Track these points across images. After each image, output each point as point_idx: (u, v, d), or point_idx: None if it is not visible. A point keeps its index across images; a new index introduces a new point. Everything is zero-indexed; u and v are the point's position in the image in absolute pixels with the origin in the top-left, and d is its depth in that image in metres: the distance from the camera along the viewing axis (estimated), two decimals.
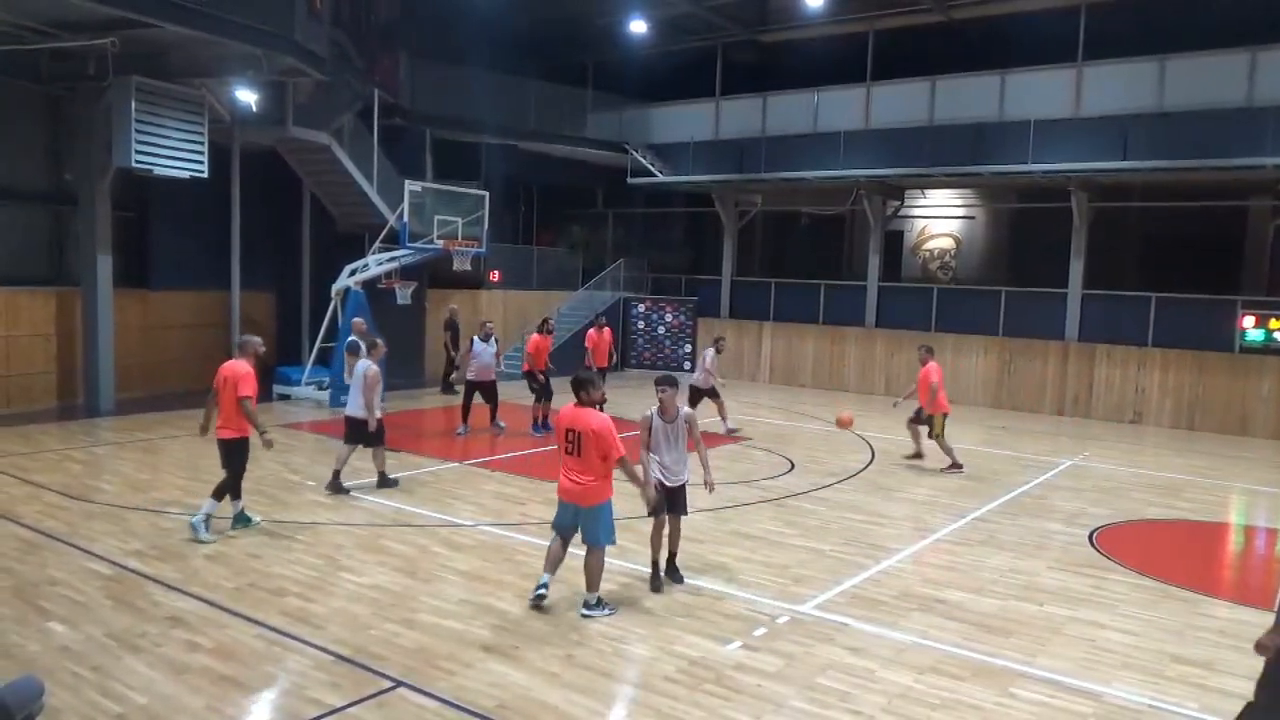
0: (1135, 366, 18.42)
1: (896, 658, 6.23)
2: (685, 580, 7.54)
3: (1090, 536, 9.57)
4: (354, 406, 10.31)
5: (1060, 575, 8.21)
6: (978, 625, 6.88)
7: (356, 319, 14.21)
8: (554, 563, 6.94)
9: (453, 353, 18.32)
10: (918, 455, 13.25)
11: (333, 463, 10.41)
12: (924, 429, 12.89)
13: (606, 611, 6.78)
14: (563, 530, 6.93)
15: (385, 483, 10.51)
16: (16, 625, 6.25)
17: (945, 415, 12.66)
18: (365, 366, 10.19)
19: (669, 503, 7.33)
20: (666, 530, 7.43)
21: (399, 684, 5.57)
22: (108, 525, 8.69)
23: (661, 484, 7.26)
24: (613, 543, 6.92)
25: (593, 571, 6.82)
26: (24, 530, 8.43)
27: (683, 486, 7.44)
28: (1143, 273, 20.64)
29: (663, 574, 7.47)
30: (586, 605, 6.79)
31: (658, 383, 7.37)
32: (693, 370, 24.34)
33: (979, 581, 7.95)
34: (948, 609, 7.21)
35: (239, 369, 8.46)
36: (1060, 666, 6.18)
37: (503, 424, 14.51)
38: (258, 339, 8.94)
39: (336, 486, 10.15)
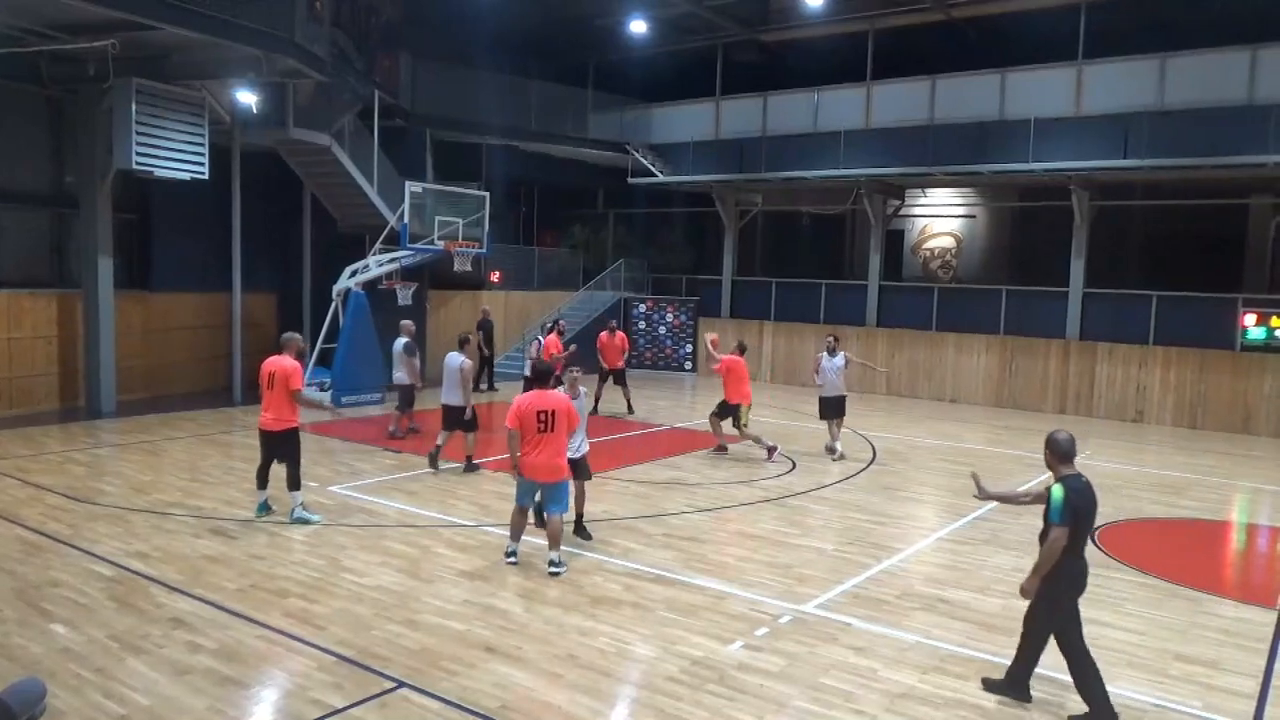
0: (1137, 365, 18.40)
1: (900, 657, 6.22)
2: (593, 538, 8.71)
3: (1092, 535, 9.56)
4: (452, 396, 11.61)
5: None
6: (981, 625, 6.87)
7: (406, 321, 14.38)
8: (519, 532, 8.08)
9: (487, 353, 18.72)
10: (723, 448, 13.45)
11: (429, 447, 11.81)
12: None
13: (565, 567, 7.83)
14: (527, 503, 8.06)
15: (470, 468, 11.59)
16: (19, 627, 6.25)
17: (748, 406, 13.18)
18: (460, 361, 11.54)
19: (575, 470, 8.49)
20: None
21: (401, 684, 5.57)
22: (110, 527, 8.69)
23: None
24: (566, 510, 8.10)
25: (556, 532, 7.81)
26: (26, 532, 8.43)
27: (583, 457, 8.75)
28: (1144, 271, 20.63)
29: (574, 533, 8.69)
30: (553, 564, 7.76)
31: (568, 365, 9.11)
32: (694, 369, 24.34)
33: (982, 580, 7.94)
34: (951, 608, 7.20)
35: (286, 364, 8.90)
36: (1064, 665, 6.14)
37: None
38: (299, 336, 9.49)
39: (434, 462, 11.54)
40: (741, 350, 13.67)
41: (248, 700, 5.37)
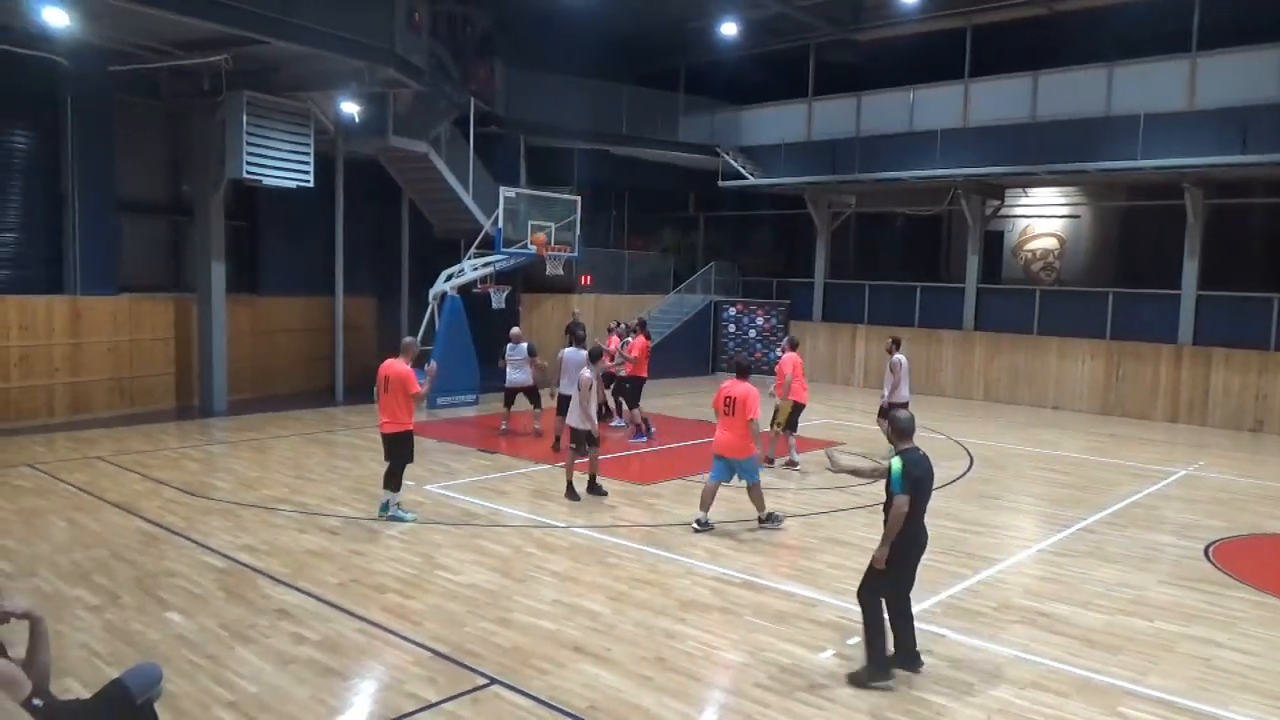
0: (1256, 372, 17.44)
1: (996, 671, 6.04)
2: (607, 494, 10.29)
3: (1206, 550, 9.11)
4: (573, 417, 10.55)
5: (1172, 590, 7.83)
6: (1083, 640, 6.61)
7: (515, 329, 15.05)
8: (708, 503, 9.24)
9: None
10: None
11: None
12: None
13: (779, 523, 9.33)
14: (721, 477, 9.25)
15: (595, 489, 10.55)
16: (138, 614, 6.60)
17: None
18: (583, 371, 10.46)
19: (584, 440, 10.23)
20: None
21: (493, 681, 5.68)
22: (221, 520, 9.11)
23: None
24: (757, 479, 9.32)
25: (758, 498, 9.31)
26: (145, 524, 8.91)
27: (587, 431, 10.20)
28: (1264, 272, 19.54)
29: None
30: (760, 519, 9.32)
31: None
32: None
33: (1084, 595, 7.65)
34: (1051, 622, 6.96)
35: (402, 369, 9.11)
36: (1172, 686, 5.89)
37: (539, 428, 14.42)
38: (416, 340, 10.02)
39: (573, 493, 10.46)
40: (794, 346, 13.38)
41: (347, 691, 5.56)
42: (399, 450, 9.26)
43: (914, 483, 5.81)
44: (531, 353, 14.26)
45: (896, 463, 5.83)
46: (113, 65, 14.24)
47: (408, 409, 9.17)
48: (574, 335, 16.80)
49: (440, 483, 11.00)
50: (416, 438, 13.80)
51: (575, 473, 10.47)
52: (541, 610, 6.91)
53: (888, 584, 5.86)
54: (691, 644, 6.35)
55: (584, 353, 11.31)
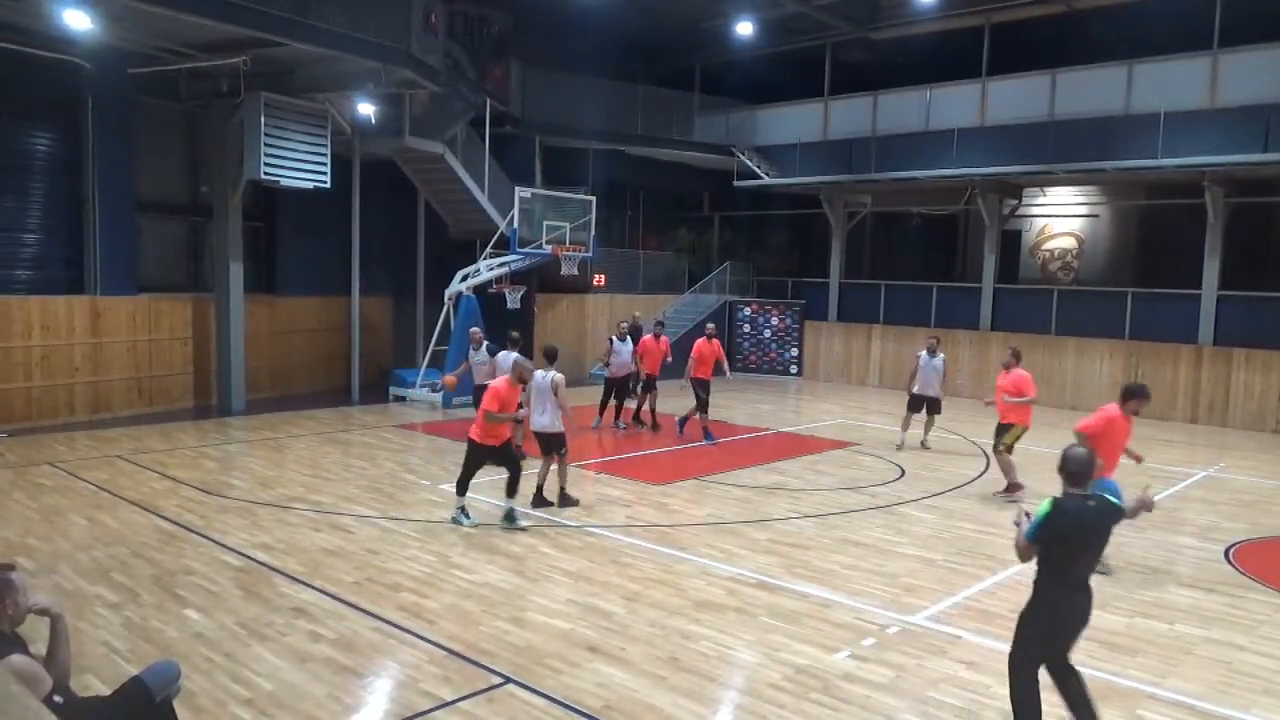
0: (1278, 372, 17.25)
1: None
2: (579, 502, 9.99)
3: (1226, 553, 9.02)
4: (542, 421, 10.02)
5: (1192, 593, 7.76)
6: (1102, 643, 6.56)
7: (475, 329, 14.17)
8: None
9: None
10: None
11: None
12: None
13: None
14: None
15: (566, 500, 10.17)
16: (157, 611, 6.65)
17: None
18: (551, 376, 9.88)
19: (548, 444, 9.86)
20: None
21: (508, 680, 5.69)
22: (238, 519, 9.17)
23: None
24: None
25: None
26: (164, 522, 8.98)
27: (555, 434, 9.84)
28: None
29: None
30: None
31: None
32: (799, 374, 23.95)
33: (1103, 597, 7.52)
34: None
35: (496, 382, 9.31)
36: (1193, 689, 5.84)
37: (623, 424, 15.14)
38: (525, 362, 9.60)
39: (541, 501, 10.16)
40: (1018, 359, 11.52)
41: (363, 689, 5.58)
42: (497, 458, 9.26)
43: (1053, 535, 4.72)
44: (492, 354, 12.94)
45: (1045, 505, 4.77)
46: (133, 67, 14.37)
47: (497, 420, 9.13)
48: (633, 337, 16.57)
49: (455, 482, 11.01)
50: (431, 438, 13.90)
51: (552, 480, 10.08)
52: (556, 610, 6.91)
53: (1026, 656, 4.96)
54: (706, 644, 6.34)
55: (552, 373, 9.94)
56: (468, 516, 9.21)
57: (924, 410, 14.04)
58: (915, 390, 14.00)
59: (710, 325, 15.71)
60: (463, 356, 14.20)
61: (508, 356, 11.02)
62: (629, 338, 15.20)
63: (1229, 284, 18.22)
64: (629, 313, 23.15)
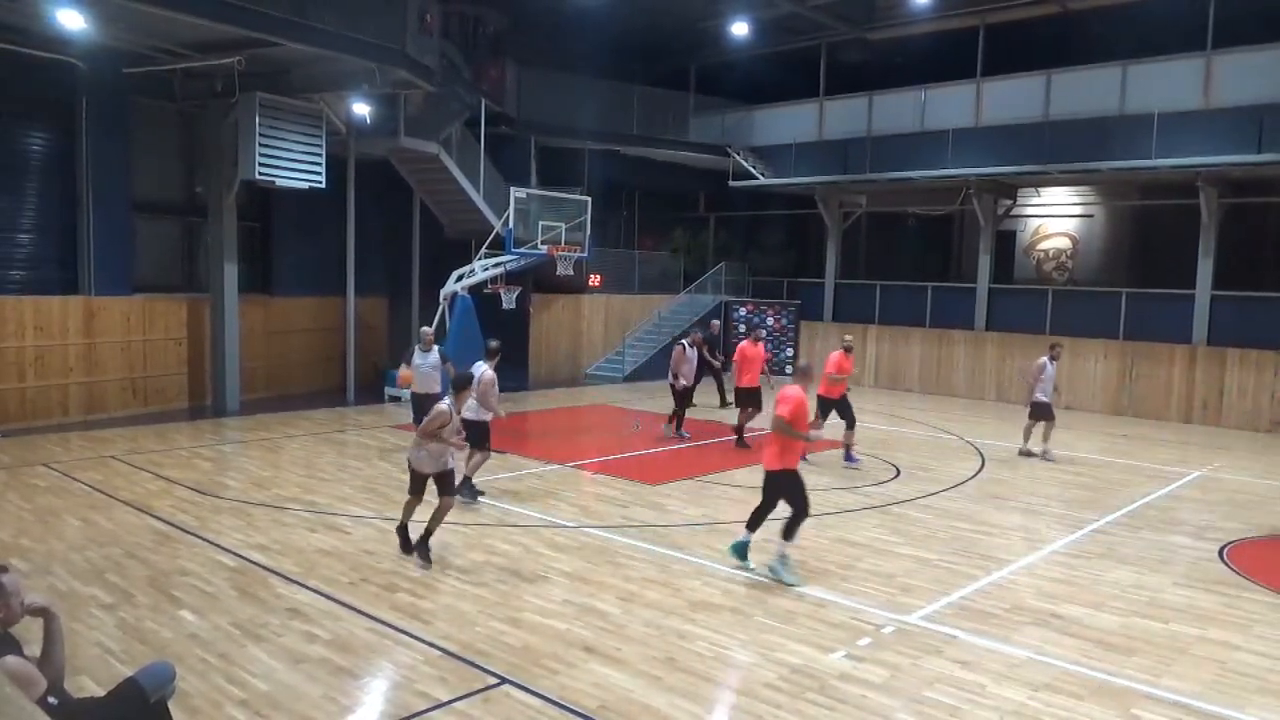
0: (1271, 372, 17.30)
1: (1009, 673, 6.01)
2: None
3: (1221, 552, 9.04)
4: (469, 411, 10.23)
5: (1187, 592, 7.78)
6: (1097, 642, 6.57)
7: (426, 329, 12.97)
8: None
9: (715, 362, 17.80)
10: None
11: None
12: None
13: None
14: None
15: (471, 492, 10.09)
16: (151, 612, 6.64)
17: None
18: (483, 370, 9.86)
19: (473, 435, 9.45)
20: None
21: (504, 681, 5.68)
22: (233, 519, 9.15)
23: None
24: None
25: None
26: (158, 523, 8.95)
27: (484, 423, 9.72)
28: (1279, 271, 19.40)
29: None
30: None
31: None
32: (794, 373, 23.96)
33: (1098, 596, 7.60)
34: (1064, 624, 6.92)
35: (788, 392, 7.86)
36: (1188, 688, 5.85)
37: (686, 433, 14.46)
38: (808, 365, 8.58)
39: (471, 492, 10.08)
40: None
41: (359, 690, 5.57)
42: (777, 490, 7.88)
43: None
44: (444, 358, 12.21)
45: None
46: (127, 67, 14.34)
47: (789, 444, 7.78)
48: (710, 345, 16.31)
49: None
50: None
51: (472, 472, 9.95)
52: (552, 610, 6.91)
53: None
54: (702, 644, 6.34)
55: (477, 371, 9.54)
56: (787, 570, 7.71)
57: (1042, 419, 13.43)
58: (1039, 398, 13.32)
59: (759, 329, 14.95)
60: (462, 356, 13.97)
61: (479, 368, 9.67)
62: (699, 348, 14.70)
63: (1223, 284, 18.28)
64: (624, 312, 23.24)
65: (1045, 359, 13.51)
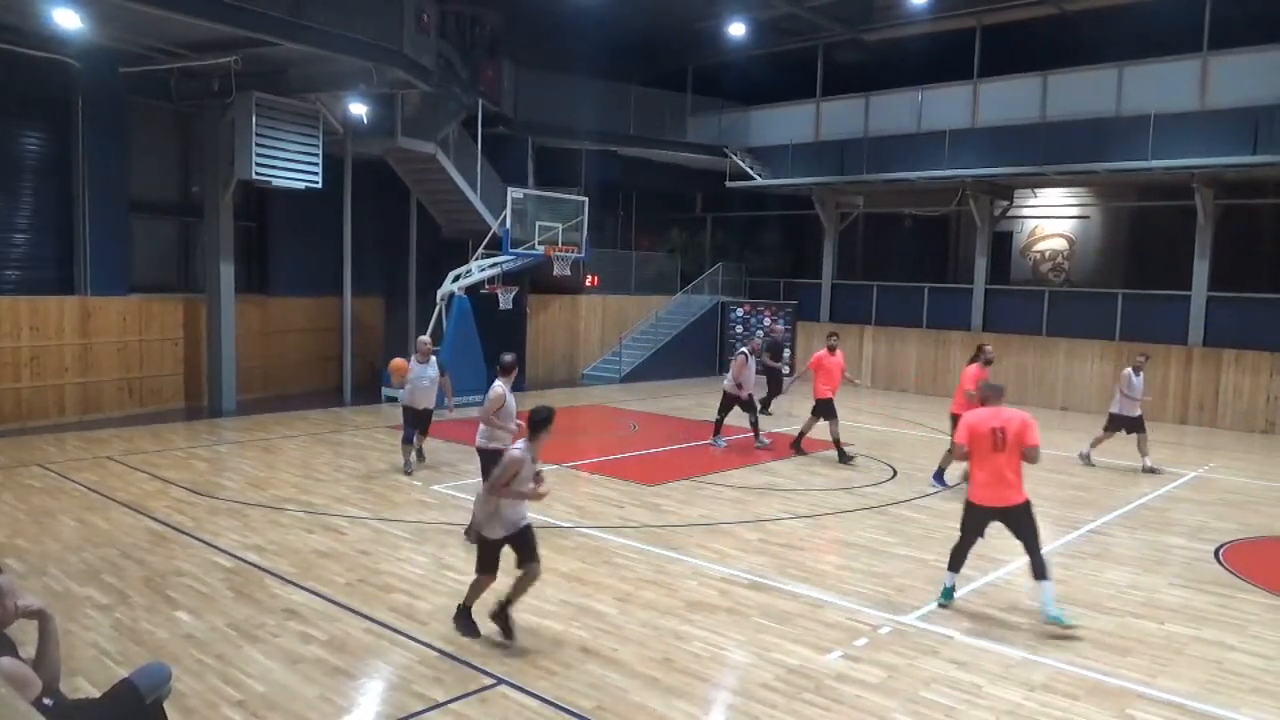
0: (1267, 373, 17.35)
1: (1005, 673, 6.02)
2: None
3: (1216, 552, 9.06)
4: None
5: (1183, 592, 7.80)
6: (1093, 642, 6.58)
7: (424, 338, 12.01)
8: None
9: (780, 366, 17.19)
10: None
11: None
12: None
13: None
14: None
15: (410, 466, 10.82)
16: (147, 613, 6.62)
17: None
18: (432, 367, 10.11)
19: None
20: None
21: (500, 682, 5.68)
22: (229, 520, 9.14)
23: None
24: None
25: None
26: (154, 524, 8.94)
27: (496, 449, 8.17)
28: (1275, 273, 19.45)
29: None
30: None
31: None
32: (791, 375, 24.01)
33: (1094, 597, 7.61)
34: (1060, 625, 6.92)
35: (1026, 418, 6.95)
36: (1183, 689, 5.86)
37: (766, 440, 13.79)
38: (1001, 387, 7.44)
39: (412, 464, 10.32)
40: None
41: (355, 691, 5.57)
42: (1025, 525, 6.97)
43: None
44: (442, 370, 11.59)
45: None
46: (124, 67, 14.32)
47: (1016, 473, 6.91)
48: (773, 352, 15.72)
49: (447, 483, 11.02)
50: (426, 439, 13.83)
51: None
52: (548, 610, 6.90)
53: None
54: (698, 645, 6.34)
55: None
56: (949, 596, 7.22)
57: (1126, 430, 12.97)
58: (1118, 410, 12.87)
59: (833, 335, 13.82)
60: (459, 357, 13.80)
61: (496, 389, 8.70)
62: (762, 355, 13.93)
63: (1218, 285, 18.32)
64: (621, 313, 23.25)
65: (1129, 370, 12.90)
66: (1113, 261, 22.82)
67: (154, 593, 7.04)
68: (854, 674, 5.94)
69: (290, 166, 15.04)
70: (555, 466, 11.97)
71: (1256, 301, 17.92)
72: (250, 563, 7.83)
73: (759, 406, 14.68)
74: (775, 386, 17.25)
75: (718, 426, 13.97)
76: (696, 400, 19.13)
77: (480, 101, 18.59)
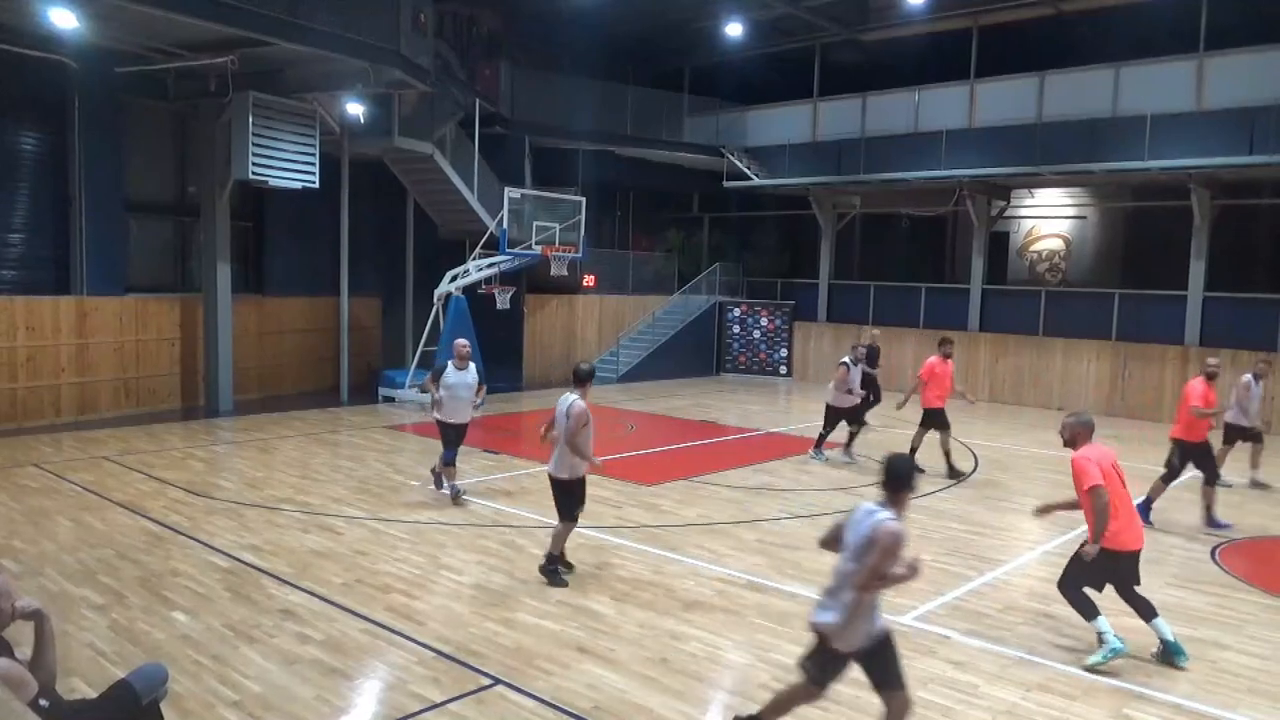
0: None
1: (1002, 673, 6.03)
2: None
3: (1212, 553, 9.07)
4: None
5: (1179, 592, 7.81)
6: (1090, 642, 6.58)
7: (462, 340, 10.46)
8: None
9: (874, 372, 15.48)
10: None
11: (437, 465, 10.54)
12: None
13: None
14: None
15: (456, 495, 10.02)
16: (144, 614, 6.61)
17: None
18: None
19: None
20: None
21: (498, 682, 5.68)
22: (226, 520, 9.12)
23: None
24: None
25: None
26: (150, 524, 8.92)
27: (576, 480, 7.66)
28: (1271, 273, 19.48)
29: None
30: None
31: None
32: (789, 374, 23.93)
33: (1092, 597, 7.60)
34: (1057, 624, 6.94)
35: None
36: (1179, 689, 5.87)
37: (846, 457, 13.06)
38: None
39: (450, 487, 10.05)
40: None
41: (352, 691, 5.56)
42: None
43: None
44: (482, 381, 10.45)
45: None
46: (120, 67, 14.29)
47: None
48: (871, 359, 14.89)
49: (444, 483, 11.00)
50: (420, 439, 13.82)
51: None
52: (545, 611, 6.90)
53: None
54: (695, 645, 6.34)
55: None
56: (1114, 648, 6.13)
57: (1244, 440, 12.03)
58: (1233, 420, 11.85)
59: (947, 341, 12.72)
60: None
61: (566, 400, 7.51)
62: (861, 363, 13.28)
63: (1215, 285, 18.34)
64: (618, 313, 23.23)
65: (1250, 376, 11.89)
66: (1109, 262, 22.85)
67: (150, 593, 7.03)
68: (851, 674, 5.93)
69: (287, 166, 15.02)
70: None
71: (1252, 301, 17.94)
72: (247, 563, 7.82)
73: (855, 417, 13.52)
74: (874, 395, 15.50)
75: (820, 440, 13.26)
76: (694, 400, 19.14)
77: (477, 101, 18.59)
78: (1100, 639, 6.15)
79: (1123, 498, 6.25)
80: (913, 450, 12.04)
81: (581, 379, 7.58)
